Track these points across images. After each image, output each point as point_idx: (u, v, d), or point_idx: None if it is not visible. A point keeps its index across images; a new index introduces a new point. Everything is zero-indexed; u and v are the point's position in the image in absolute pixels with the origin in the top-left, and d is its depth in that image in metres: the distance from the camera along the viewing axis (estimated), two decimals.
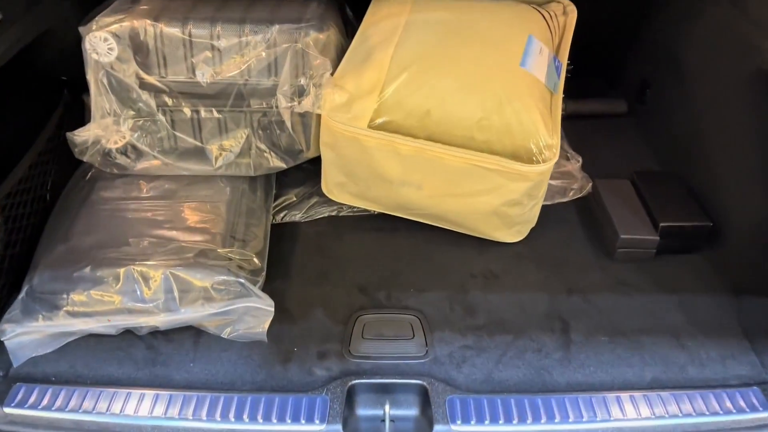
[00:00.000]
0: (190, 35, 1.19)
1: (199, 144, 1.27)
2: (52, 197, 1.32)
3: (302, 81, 1.20)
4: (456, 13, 1.32)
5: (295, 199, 1.38)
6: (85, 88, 1.36)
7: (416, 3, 1.35)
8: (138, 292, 1.09)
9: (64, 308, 1.08)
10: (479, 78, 1.20)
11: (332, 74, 1.21)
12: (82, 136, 1.24)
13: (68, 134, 1.25)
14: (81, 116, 1.39)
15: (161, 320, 1.10)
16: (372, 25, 1.34)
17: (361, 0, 1.47)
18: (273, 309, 1.10)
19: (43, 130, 1.31)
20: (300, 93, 1.21)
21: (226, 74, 1.20)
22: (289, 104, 1.19)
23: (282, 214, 1.36)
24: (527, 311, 1.18)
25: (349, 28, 1.45)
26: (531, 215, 1.27)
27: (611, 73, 1.79)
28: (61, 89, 1.40)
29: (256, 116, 1.25)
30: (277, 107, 1.21)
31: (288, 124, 1.21)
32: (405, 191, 1.24)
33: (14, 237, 1.18)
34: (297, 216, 1.36)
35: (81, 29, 1.20)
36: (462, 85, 1.19)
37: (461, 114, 1.19)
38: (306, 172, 1.40)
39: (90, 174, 1.31)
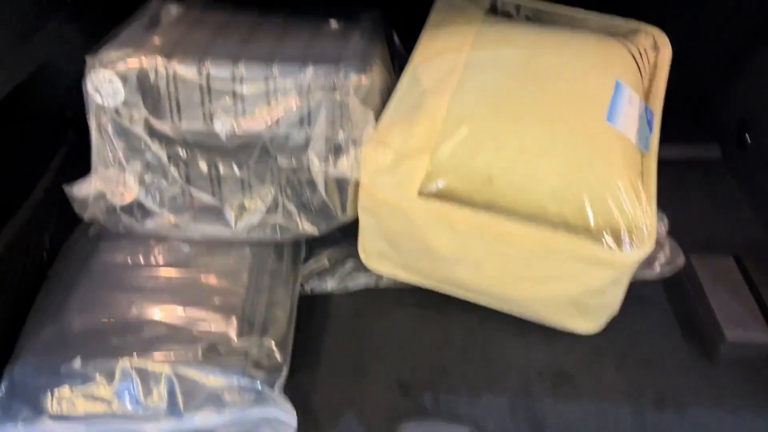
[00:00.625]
0: (207, 78, 1.00)
1: (216, 203, 1.08)
2: (50, 256, 1.15)
3: (339, 136, 1.00)
4: (527, 50, 1.09)
5: (327, 263, 1.18)
6: None
7: (479, 36, 1.13)
8: (135, 394, 0.91)
9: (48, 411, 0.91)
10: (556, 136, 0.98)
11: (375, 127, 1.01)
12: (82, 190, 1.07)
13: (66, 188, 1.08)
14: (87, 160, 1.22)
15: (162, 428, 0.92)
16: (424, 62, 1.12)
17: (412, 24, 1.27)
18: (295, 422, 0.90)
19: (42, 178, 1.14)
20: (336, 150, 1.01)
21: (249, 127, 1.00)
22: (323, 166, 0.99)
23: (312, 283, 1.16)
24: (608, 426, 0.96)
25: (396, 62, 1.24)
26: (613, 302, 1.04)
27: (701, 112, 1.54)
28: (64, 128, 1.23)
29: (284, 173, 1.05)
30: (309, 166, 1.01)
31: (321, 187, 1.01)
32: (459, 270, 1.03)
33: (1, 310, 1.01)
34: (329, 286, 1.16)
35: (86, 65, 1.03)
36: (534, 145, 0.97)
37: (532, 181, 0.97)
38: (340, 230, 1.20)
39: (92, 231, 1.14)
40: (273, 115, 0.99)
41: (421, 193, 0.97)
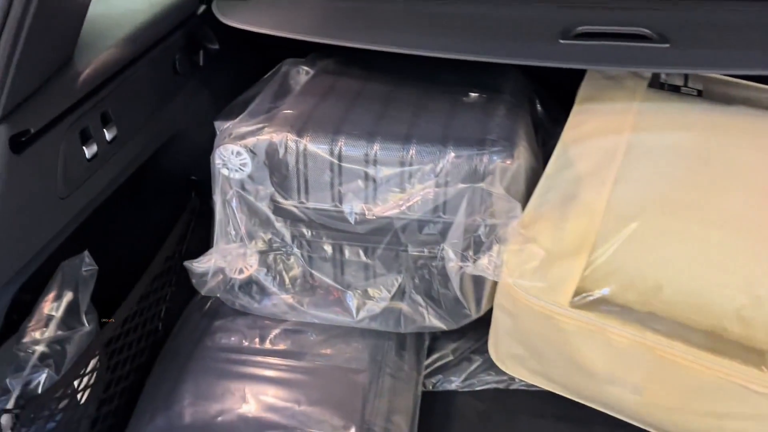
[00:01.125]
0: (339, 156, 0.93)
1: (339, 288, 1.00)
2: (165, 327, 1.11)
3: (480, 228, 0.89)
4: (703, 135, 0.94)
5: (452, 357, 1.06)
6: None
7: (642, 114, 0.99)
8: None
9: None
10: (745, 244, 0.82)
11: (521, 220, 0.89)
12: (202, 266, 1.02)
13: (187, 264, 1.03)
14: (208, 224, 1.18)
15: None
16: (577, 142, 0.99)
17: (556, 91, 1.16)
18: None
19: (162, 247, 1.11)
20: (476, 244, 0.90)
21: (381, 212, 0.91)
22: (459, 261, 0.88)
23: (435, 379, 1.05)
24: None
25: (539, 135, 1.13)
26: None
27: None
28: (188, 191, 1.20)
29: (413, 262, 0.96)
30: (442, 258, 0.91)
31: (455, 283, 0.91)
32: (613, 390, 0.88)
33: (113, 389, 0.97)
34: (454, 384, 1.05)
35: (216, 137, 0.99)
36: (718, 252, 0.81)
37: (712, 296, 0.81)
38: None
39: (208, 305, 1.09)
40: (407, 201, 0.90)
41: (573, 301, 0.84)
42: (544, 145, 1.11)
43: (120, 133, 0.89)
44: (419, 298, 0.96)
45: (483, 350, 1.03)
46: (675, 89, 1.06)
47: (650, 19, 0.95)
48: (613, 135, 0.97)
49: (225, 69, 1.20)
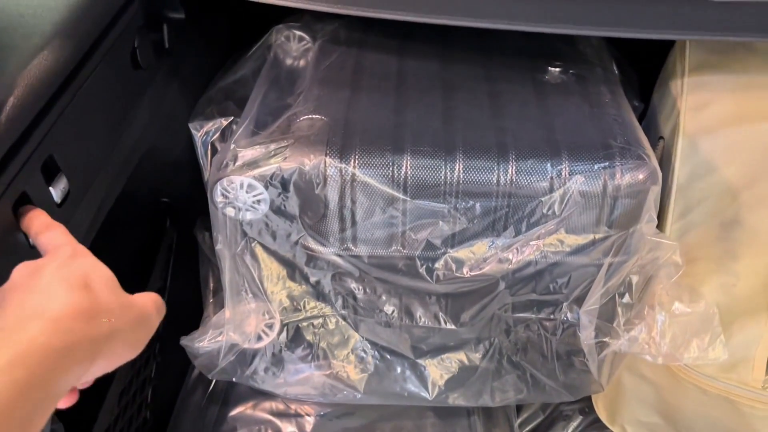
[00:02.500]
0: (405, 187, 0.63)
1: (408, 357, 0.73)
2: (157, 415, 0.82)
3: (620, 279, 0.63)
4: None
5: (543, 417, 0.83)
6: (196, 216, 0.86)
7: None
8: None
9: None
10: None
11: (678, 264, 0.63)
12: (206, 345, 0.72)
13: (184, 343, 0.73)
14: (193, 263, 0.87)
15: None
16: (708, 135, 0.72)
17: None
18: None
19: None
20: (621, 306, 0.64)
21: (475, 269, 0.64)
22: (598, 338, 0.62)
23: None
24: None
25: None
26: None
27: None
28: (160, 220, 0.87)
29: (515, 323, 0.70)
30: (566, 324, 0.65)
31: (592, 360, 0.65)
32: None
33: None
34: None
35: (211, 172, 0.67)
36: None
37: None
38: None
39: (214, 384, 0.80)
40: (516, 252, 0.62)
41: (766, 378, 0.60)
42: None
43: (74, 188, 0.56)
44: (521, 368, 0.71)
45: (582, 410, 0.81)
46: None
47: None
48: (764, 122, 0.72)
49: (195, 46, 0.85)
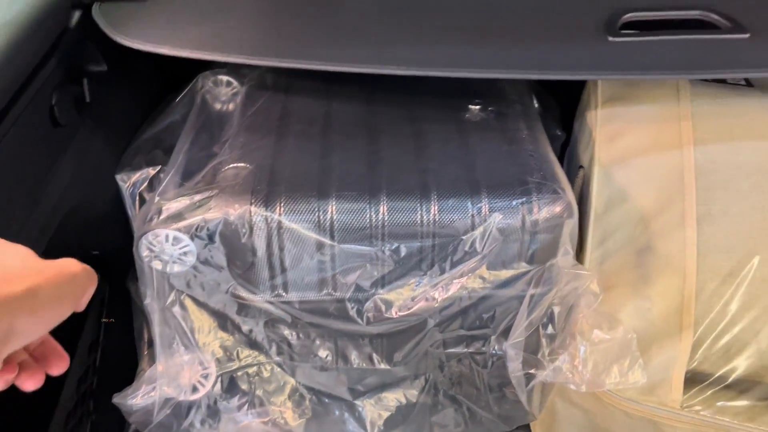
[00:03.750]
0: (332, 232, 0.65)
1: (346, 399, 0.73)
2: None
3: (543, 311, 0.65)
4: None
5: None
6: (129, 267, 0.85)
7: (698, 119, 0.77)
8: None
9: None
10: None
11: (596, 294, 0.66)
12: (139, 401, 0.71)
13: (116, 401, 0.72)
14: (127, 316, 0.86)
15: None
16: (620, 165, 0.76)
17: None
18: None
19: (69, 367, 0.78)
20: (544, 337, 0.66)
21: (404, 309, 0.65)
22: (525, 370, 0.64)
23: None
24: None
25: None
26: None
27: None
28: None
29: (448, 359, 0.71)
30: (495, 357, 0.67)
31: (521, 391, 0.67)
32: None
33: None
34: None
35: (136, 226, 0.67)
36: None
37: None
38: None
39: None
40: (443, 289, 0.64)
41: (684, 399, 0.63)
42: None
43: None
44: (456, 403, 0.72)
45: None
46: (721, 80, 0.86)
47: None
48: (672, 150, 0.75)
49: (120, 97, 0.85)
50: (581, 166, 0.83)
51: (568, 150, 0.91)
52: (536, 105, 0.92)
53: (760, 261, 0.65)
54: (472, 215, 0.64)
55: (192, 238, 0.64)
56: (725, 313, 0.64)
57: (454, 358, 0.69)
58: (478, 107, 0.80)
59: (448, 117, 0.77)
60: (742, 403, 0.63)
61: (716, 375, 0.63)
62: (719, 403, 0.62)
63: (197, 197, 0.65)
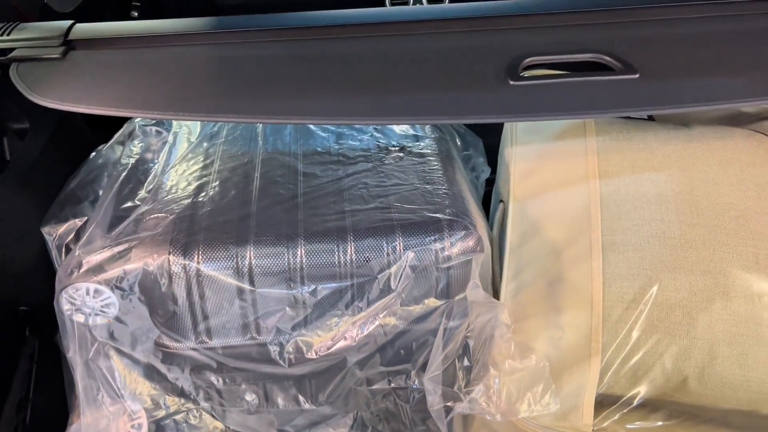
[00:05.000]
0: (251, 278, 0.66)
1: None
2: None
3: (458, 344, 0.67)
4: (679, 171, 0.79)
5: None
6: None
7: (603, 154, 0.82)
8: None
9: None
10: (762, 309, 0.69)
11: (508, 324, 0.69)
12: None
13: None
14: (56, 372, 0.85)
15: None
16: (534, 199, 0.80)
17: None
18: None
19: None
20: (461, 370, 0.68)
21: (324, 348, 0.67)
22: (445, 403, 0.66)
23: None
24: None
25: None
26: None
27: None
28: (19, 329, 0.85)
29: (373, 395, 0.73)
30: (416, 391, 0.69)
31: (441, 424, 0.69)
32: None
33: None
34: None
35: (56, 279, 0.67)
36: (743, 327, 0.68)
37: (743, 378, 0.67)
38: None
39: None
40: (361, 328, 0.66)
41: (596, 425, 0.66)
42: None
43: None
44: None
45: None
46: (625, 116, 0.92)
47: (605, 38, 0.78)
48: (579, 184, 0.80)
49: (45, 150, 0.86)
50: (502, 201, 0.87)
51: (495, 185, 0.95)
52: (459, 144, 0.96)
53: (660, 287, 0.68)
54: (387, 254, 0.67)
55: (113, 290, 0.65)
56: (630, 338, 0.67)
57: (379, 395, 0.71)
58: (397, 148, 0.84)
59: (368, 159, 0.80)
60: (651, 423, 0.66)
61: (625, 397, 0.66)
62: (629, 425, 0.65)
63: (117, 249, 0.67)
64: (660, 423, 0.66)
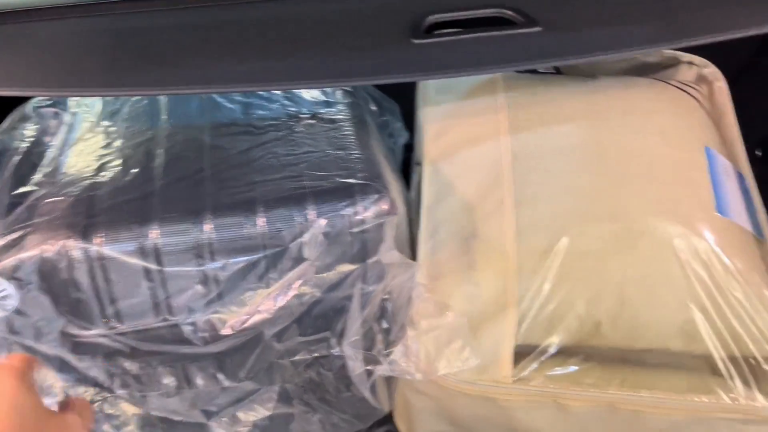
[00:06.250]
0: (158, 258, 0.64)
1: (201, 421, 0.72)
2: None
3: (377, 308, 0.67)
4: (586, 122, 0.80)
5: None
6: None
7: (513, 110, 0.82)
8: None
9: None
10: (670, 250, 0.71)
11: (424, 283, 0.69)
12: None
13: None
14: None
15: None
16: (447, 159, 0.80)
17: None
18: None
19: None
20: (374, 332, 0.68)
21: (239, 324, 0.65)
22: (366, 366, 0.65)
23: None
24: None
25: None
26: None
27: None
28: None
29: (296, 367, 0.71)
30: (338, 358, 0.68)
31: (364, 388, 0.68)
32: None
33: None
34: None
35: None
36: (648, 269, 0.70)
37: (651, 318, 0.70)
38: None
39: None
40: (276, 301, 0.65)
41: (515, 372, 0.67)
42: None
43: None
44: (311, 408, 0.73)
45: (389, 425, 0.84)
46: (532, 69, 0.92)
47: None
48: (490, 141, 0.80)
49: None
50: (419, 163, 0.87)
51: (414, 149, 0.95)
52: (375, 109, 0.95)
53: (571, 236, 0.70)
54: (299, 223, 0.66)
55: (9, 281, 0.62)
56: (544, 288, 0.68)
57: (302, 365, 0.70)
58: (308, 116, 0.82)
59: (278, 128, 0.78)
60: (568, 369, 0.67)
61: (542, 346, 0.68)
62: (548, 373, 0.67)
63: (10, 237, 0.63)
64: (577, 368, 0.67)
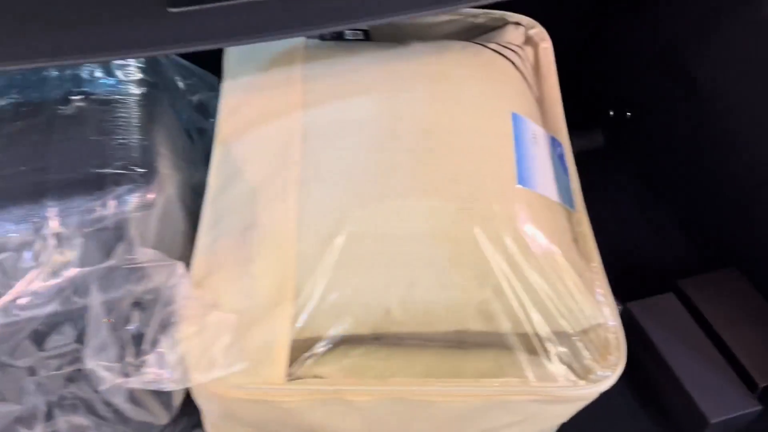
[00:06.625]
0: None
1: None
2: None
3: (132, 315, 0.60)
4: (384, 96, 0.73)
5: None
6: None
7: (310, 82, 0.75)
8: None
9: None
10: (463, 228, 0.67)
11: (191, 280, 0.62)
12: None
13: None
14: None
15: None
16: (238, 139, 0.73)
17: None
18: None
19: None
20: (134, 338, 0.61)
21: None
22: (115, 373, 0.58)
23: None
24: None
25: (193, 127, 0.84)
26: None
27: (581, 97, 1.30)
28: None
29: (50, 381, 0.64)
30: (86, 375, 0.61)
31: (120, 402, 0.61)
32: None
33: None
34: None
35: None
36: (439, 248, 0.65)
37: (445, 300, 0.65)
38: None
39: None
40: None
41: (291, 371, 0.61)
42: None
43: None
44: (92, 426, 0.66)
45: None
46: (338, 36, 0.85)
47: None
48: (283, 117, 0.73)
49: None
50: None
51: None
52: (182, 85, 0.87)
53: (355, 220, 0.64)
54: (39, 222, 0.58)
55: None
56: (326, 276, 0.63)
57: (59, 382, 0.63)
58: (80, 97, 0.73)
59: (37, 113, 0.69)
60: (348, 361, 0.63)
61: (326, 338, 0.63)
62: (327, 368, 0.62)
63: None
64: (357, 360, 0.62)
